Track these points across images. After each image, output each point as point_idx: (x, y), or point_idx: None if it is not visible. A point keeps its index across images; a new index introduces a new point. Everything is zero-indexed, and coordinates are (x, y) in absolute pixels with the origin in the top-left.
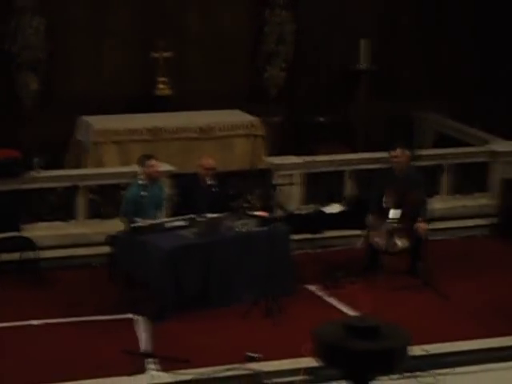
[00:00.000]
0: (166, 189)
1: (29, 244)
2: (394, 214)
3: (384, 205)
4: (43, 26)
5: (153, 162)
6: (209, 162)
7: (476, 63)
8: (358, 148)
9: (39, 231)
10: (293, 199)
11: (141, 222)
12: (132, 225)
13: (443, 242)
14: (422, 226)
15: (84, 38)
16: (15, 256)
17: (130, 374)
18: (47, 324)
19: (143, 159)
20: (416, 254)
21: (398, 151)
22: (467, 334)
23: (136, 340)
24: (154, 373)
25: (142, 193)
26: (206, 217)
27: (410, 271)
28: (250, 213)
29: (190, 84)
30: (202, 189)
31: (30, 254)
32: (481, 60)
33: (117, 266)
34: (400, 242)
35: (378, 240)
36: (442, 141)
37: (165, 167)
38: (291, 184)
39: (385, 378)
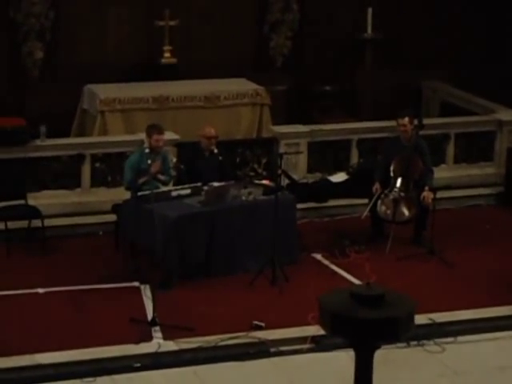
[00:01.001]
0: (172, 157)
1: (34, 212)
2: (400, 182)
3: (391, 173)
4: None
5: (160, 137)
6: (210, 131)
7: (482, 32)
8: (363, 117)
9: (45, 199)
10: (299, 168)
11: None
12: (137, 193)
13: (449, 212)
14: (427, 194)
15: (89, 6)
16: (20, 224)
17: (136, 343)
18: (53, 292)
19: (151, 131)
20: (421, 223)
21: (406, 119)
22: (472, 303)
23: (142, 308)
24: (161, 341)
25: (149, 161)
26: (211, 185)
27: (415, 240)
28: (256, 181)
29: (196, 52)
30: (208, 158)
31: (36, 223)
32: (487, 29)
33: (122, 235)
34: (407, 211)
35: (385, 209)
36: (448, 110)
37: (170, 136)
38: (298, 153)
39: (390, 346)
